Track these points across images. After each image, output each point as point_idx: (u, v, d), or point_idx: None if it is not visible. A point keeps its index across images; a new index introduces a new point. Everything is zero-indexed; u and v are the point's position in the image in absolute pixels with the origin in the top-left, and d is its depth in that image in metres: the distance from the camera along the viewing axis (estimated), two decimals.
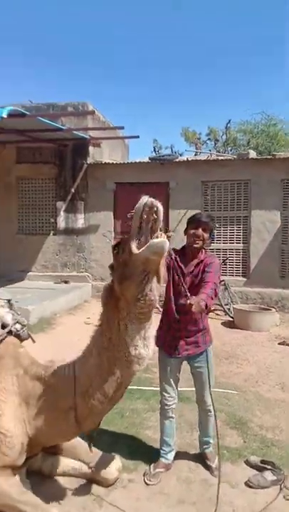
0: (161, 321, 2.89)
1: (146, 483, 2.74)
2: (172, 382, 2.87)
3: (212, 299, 2.51)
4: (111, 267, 2.11)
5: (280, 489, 2.67)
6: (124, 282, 1.99)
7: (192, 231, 2.77)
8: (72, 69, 46.48)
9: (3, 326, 2.46)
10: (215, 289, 2.57)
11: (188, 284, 2.71)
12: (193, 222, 2.79)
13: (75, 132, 8.43)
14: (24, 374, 2.44)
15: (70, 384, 2.25)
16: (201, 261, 2.78)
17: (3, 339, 2.46)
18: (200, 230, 2.75)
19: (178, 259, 2.75)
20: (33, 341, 2.64)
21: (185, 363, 2.91)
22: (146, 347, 2.08)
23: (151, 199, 1.83)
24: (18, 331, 2.53)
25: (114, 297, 2.08)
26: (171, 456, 2.91)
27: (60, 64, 47.51)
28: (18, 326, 2.53)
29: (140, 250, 1.88)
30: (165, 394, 2.89)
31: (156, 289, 2.02)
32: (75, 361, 2.33)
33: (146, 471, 2.83)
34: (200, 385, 2.87)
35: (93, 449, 2.82)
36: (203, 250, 2.85)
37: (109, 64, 45.96)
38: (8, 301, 2.62)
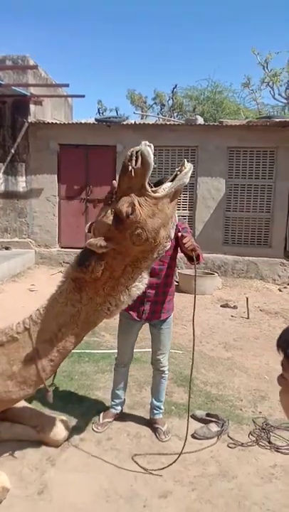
0: None
1: (94, 430, 2.87)
2: (131, 343, 2.94)
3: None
4: (107, 237, 1.98)
5: (218, 438, 2.85)
6: (158, 233, 1.99)
7: None
8: (14, 23, 42.64)
9: None
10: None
11: None
12: None
13: (14, 88, 7.81)
14: None
15: (28, 337, 2.24)
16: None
17: None
18: None
19: None
20: None
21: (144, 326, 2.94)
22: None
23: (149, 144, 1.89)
24: None
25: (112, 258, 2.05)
26: (120, 407, 3.05)
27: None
28: None
29: (171, 186, 1.97)
30: (122, 353, 2.97)
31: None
32: (31, 316, 2.30)
33: (95, 419, 2.96)
34: (159, 347, 2.91)
35: (39, 411, 2.81)
36: None
37: (53, 19, 42.73)
38: None
